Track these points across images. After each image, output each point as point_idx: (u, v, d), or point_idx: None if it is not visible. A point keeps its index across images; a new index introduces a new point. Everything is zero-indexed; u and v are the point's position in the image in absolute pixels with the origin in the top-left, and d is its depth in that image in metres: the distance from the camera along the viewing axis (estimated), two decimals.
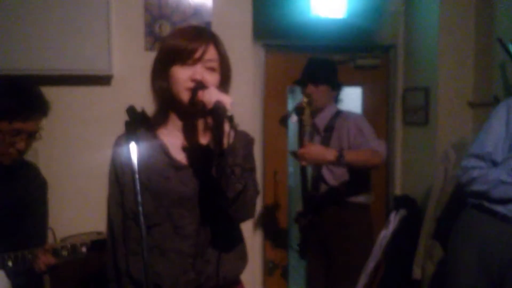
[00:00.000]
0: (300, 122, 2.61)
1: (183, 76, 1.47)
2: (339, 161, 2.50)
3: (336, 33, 3.61)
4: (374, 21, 3.72)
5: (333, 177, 2.80)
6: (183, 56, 1.47)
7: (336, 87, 2.91)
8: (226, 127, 1.34)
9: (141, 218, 1.33)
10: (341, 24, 3.58)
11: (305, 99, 2.56)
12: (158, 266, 1.49)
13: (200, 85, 1.44)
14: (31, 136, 1.91)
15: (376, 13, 3.71)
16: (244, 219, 1.55)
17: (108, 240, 1.60)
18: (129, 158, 1.34)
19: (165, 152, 1.54)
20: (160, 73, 1.52)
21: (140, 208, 1.33)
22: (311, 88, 2.80)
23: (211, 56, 1.50)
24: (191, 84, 1.46)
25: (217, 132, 1.36)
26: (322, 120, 2.86)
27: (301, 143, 2.59)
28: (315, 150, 2.56)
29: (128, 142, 1.34)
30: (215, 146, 1.39)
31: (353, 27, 3.62)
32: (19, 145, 1.87)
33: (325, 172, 2.81)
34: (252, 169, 1.57)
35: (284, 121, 3.31)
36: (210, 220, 1.51)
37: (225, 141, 1.34)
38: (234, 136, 1.37)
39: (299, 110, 2.59)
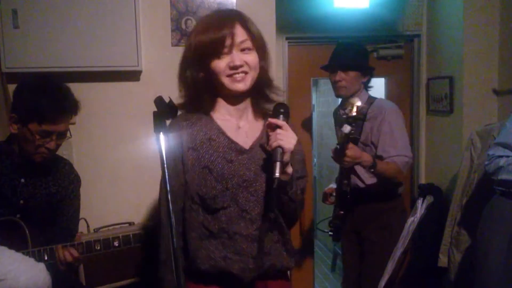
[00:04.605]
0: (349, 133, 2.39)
1: (222, 65, 1.49)
2: (369, 169, 2.50)
3: (359, 23, 3.61)
4: (397, 11, 3.71)
5: (367, 174, 2.73)
6: (216, 49, 1.48)
7: (366, 72, 2.80)
8: (277, 168, 1.38)
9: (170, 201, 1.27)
10: (364, 14, 3.58)
11: (353, 107, 2.27)
12: (227, 249, 1.49)
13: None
14: (61, 135, 1.92)
15: (399, 3, 3.70)
16: (289, 225, 1.63)
17: (164, 222, 1.52)
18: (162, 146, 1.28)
19: (224, 135, 1.54)
20: (194, 65, 1.53)
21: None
22: (340, 75, 2.73)
23: (241, 38, 1.49)
24: (230, 72, 1.49)
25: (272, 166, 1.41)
26: None
27: (344, 149, 2.40)
28: (354, 153, 2.42)
29: (158, 132, 1.30)
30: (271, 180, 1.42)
31: (376, 18, 3.62)
32: (49, 145, 1.88)
33: (358, 168, 2.71)
34: (304, 177, 1.64)
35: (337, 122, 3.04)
36: (273, 205, 1.52)
37: (276, 181, 1.38)
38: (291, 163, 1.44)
39: (351, 120, 2.33)
